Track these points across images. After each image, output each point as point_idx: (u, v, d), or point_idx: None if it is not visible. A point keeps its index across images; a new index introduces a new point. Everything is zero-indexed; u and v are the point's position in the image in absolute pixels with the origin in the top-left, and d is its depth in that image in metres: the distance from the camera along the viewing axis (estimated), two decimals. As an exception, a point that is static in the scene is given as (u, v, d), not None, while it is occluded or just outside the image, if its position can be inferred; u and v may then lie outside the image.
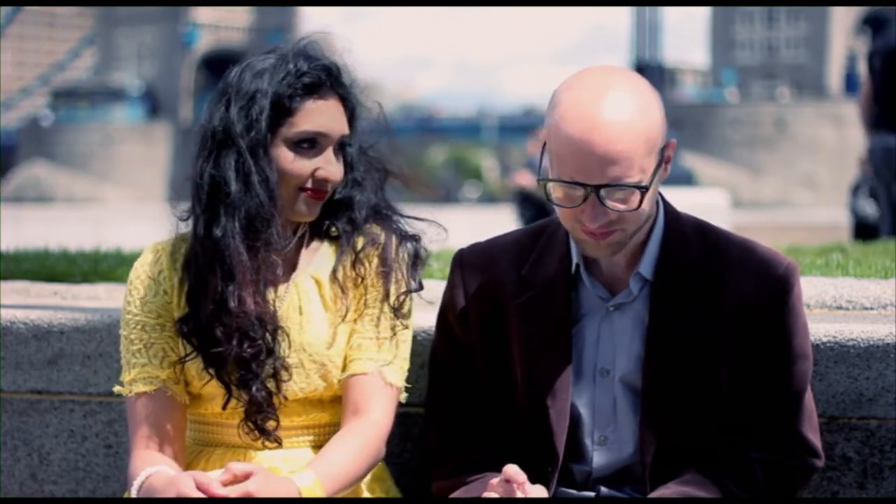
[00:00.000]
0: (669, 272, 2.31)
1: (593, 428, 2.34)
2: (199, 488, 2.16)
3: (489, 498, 2.21)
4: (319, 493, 2.25)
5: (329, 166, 2.39)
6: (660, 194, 2.35)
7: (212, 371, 2.38)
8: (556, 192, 2.20)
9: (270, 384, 2.38)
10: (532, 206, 13.26)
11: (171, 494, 2.19)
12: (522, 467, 2.33)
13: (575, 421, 2.33)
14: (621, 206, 2.18)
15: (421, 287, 2.48)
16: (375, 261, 2.45)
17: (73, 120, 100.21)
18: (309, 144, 2.38)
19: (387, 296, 2.44)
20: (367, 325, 2.44)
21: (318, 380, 2.42)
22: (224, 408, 2.40)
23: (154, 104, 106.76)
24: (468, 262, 2.44)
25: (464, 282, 2.43)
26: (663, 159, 2.23)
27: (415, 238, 2.49)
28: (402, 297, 2.45)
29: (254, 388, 2.36)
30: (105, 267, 3.85)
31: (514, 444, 2.36)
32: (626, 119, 2.16)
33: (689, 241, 2.33)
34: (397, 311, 2.44)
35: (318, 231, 2.49)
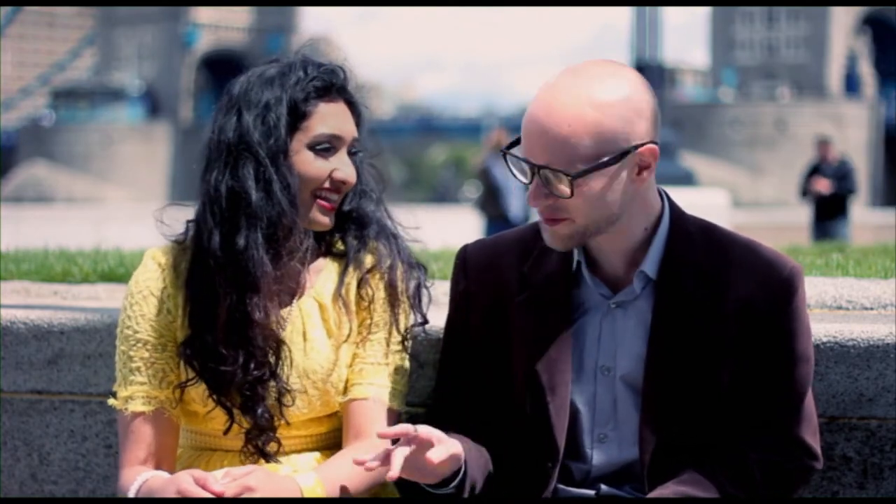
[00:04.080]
0: (673, 271, 2.31)
1: (593, 425, 2.34)
2: (198, 484, 2.15)
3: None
4: (320, 494, 2.25)
5: (346, 167, 2.38)
6: (666, 194, 2.36)
7: (215, 396, 2.36)
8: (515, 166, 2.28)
9: (274, 408, 2.37)
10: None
11: (171, 493, 2.18)
12: (523, 464, 2.33)
13: (575, 418, 2.34)
14: (559, 192, 2.21)
15: (426, 321, 2.48)
16: (381, 286, 2.44)
17: (73, 120, 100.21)
18: (325, 147, 2.37)
19: (391, 322, 2.43)
20: (369, 350, 2.43)
21: (319, 405, 2.42)
22: (226, 433, 2.39)
23: (154, 104, 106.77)
24: (472, 259, 2.45)
25: (467, 278, 2.43)
26: (632, 161, 2.22)
27: (421, 268, 2.49)
28: (409, 331, 2.45)
29: (259, 412, 2.35)
30: (105, 267, 3.84)
31: (514, 442, 2.36)
32: (574, 106, 2.19)
33: (693, 240, 2.33)
34: (403, 342, 2.45)
35: (320, 249, 2.47)
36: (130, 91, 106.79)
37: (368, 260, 2.44)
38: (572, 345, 2.33)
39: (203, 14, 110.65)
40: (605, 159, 2.20)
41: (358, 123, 2.43)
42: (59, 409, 3.04)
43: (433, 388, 2.52)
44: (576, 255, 2.34)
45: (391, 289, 2.43)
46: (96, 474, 3.03)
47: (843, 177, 15.41)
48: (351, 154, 2.41)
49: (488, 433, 2.40)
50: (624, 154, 2.20)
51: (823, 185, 15.25)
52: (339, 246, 2.47)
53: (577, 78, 2.22)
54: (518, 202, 13.17)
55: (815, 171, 15.76)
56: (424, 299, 2.48)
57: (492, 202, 13.56)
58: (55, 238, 5.75)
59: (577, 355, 2.33)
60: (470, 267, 2.44)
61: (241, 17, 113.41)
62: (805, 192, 15.79)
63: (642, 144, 2.21)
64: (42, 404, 3.05)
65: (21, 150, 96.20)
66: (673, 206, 2.36)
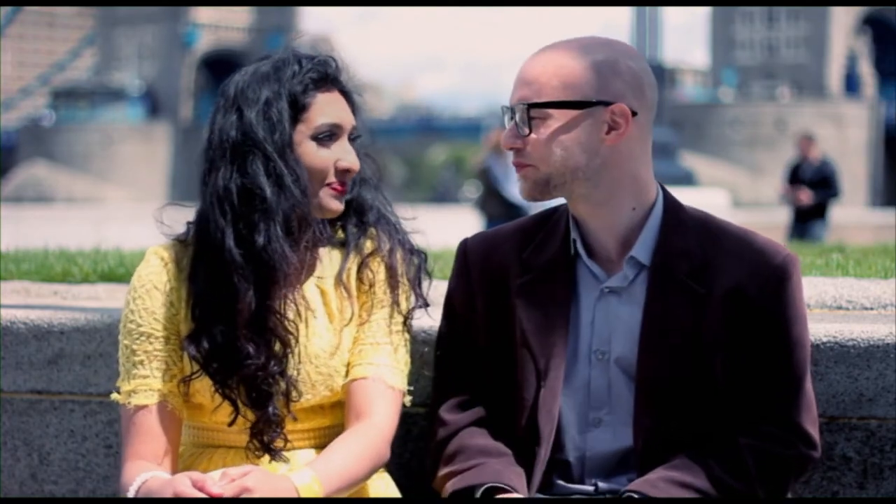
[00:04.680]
0: (666, 258, 2.32)
1: (588, 409, 2.35)
2: (195, 487, 2.16)
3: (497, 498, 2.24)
4: (317, 491, 2.24)
5: (349, 156, 2.40)
6: (661, 185, 2.37)
7: (220, 390, 2.35)
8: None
9: (281, 402, 2.37)
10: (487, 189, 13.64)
11: (168, 495, 2.19)
12: (516, 448, 2.35)
13: (570, 402, 2.34)
14: (522, 129, 2.30)
15: (427, 304, 2.49)
16: (381, 269, 2.45)
17: (73, 120, 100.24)
18: (326, 137, 2.39)
19: (391, 304, 2.45)
20: (369, 331, 2.44)
21: (324, 391, 2.42)
22: (230, 425, 2.39)
23: (154, 104, 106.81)
24: (473, 249, 2.47)
25: (468, 267, 2.45)
26: (600, 116, 2.27)
27: (420, 253, 2.50)
28: (410, 313, 2.46)
29: (269, 409, 2.35)
30: (105, 267, 3.85)
31: (511, 427, 2.37)
32: (552, 55, 2.32)
33: (687, 228, 2.35)
34: (405, 322, 2.46)
35: (321, 237, 2.48)
36: (130, 91, 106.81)
37: (368, 245, 2.47)
38: (569, 328, 2.34)
39: (203, 14, 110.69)
40: (566, 100, 2.27)
41: (353, 112, 2.45)
42: (59, 409, 3.04)
43: (433, 383, 2.52)
44: (573, 234, 2.36)
45: (391, 271, 2.45)
46: (96, 474, 3.03)
47: (823, 179, 14.69)
48: (351, 141, 2.43)
49: (490, 421, 2.41)
50: (588, 104, 2.27)
51: (805, 196, 14.50)
52: (340, 234, 2.49)
53: (571, 40, 2.35)
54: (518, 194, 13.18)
55: (795, 170, 14.98)
56: (425, 283, 2.50)
57: (491, 202, 13.58)
58: (55, 238, 5.75)
59: (573, 339, 2.35)
60: (471, 257, 2.46)
61: (241, 17, 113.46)
62: (785, 195, 15.03)
63: (612, 103, 2.27)
64: (42, 404, 3.05)
65: (21, 150, 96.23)
66: (668, 195, 2.38)
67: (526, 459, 2.34)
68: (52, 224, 19.11)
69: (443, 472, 2.38)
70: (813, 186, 14.58)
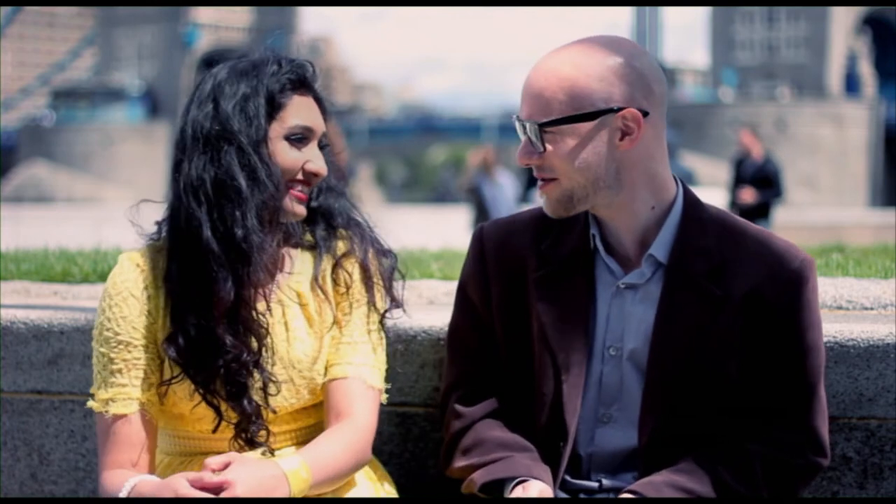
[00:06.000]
0: (684, 256, 2.32)
1: (598, 405, 2.34)
2: (194, 486, 2.15)
3: (506, 498, 2.24)
4: (305, 478, 2.24)
5: (318, 160, 2.42)
6: (682, 182, 2.37)
7: (201, 391, 2.36)
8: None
9: (259, 397, 2.37)
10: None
11: (167, 496, 2.18)
12: (535, 443, 2.34)
13: (582, 397, 2.34)
14: (536, 146, 2.28)
15: (400, 304, 2.50)
16: (356, 269, 2.46)
17: (73, 120, 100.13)
18: (298, 139, 2.40)
19: (367, 303, 2.45)
20: (346, 330, 2.44)
21: (307, 394, 2.43)
22: (214, 431, 2.39)
23: (154, 104, 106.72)
24: (489, 237, 2.46)
25: (484, 255, 2.44)
26: (613, 124, 2.26)
27: (391, 254, 2.51)
28: (387, 312, 2.47)
29: (244, 401, 2.35)
30: (105, 267, 3.84)
31: (529, 420, 2.37)
32: (555, 65, 2.28)
33: (706, 227, 2.34)
34: (381, 321, 2.46)
35: (291, 241, 2.48)
36: (130, 91, 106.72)
37: (340, 246, 2.48)
38: (585, 323, 2.33)
39: (203, 14, 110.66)
40: (575, 114, 2.24)
41: (325, 120, 2.46)
42: (59, 409, 3.04)
43: (445, 372, 2.51)
44: (592, 228, 2.35)
45: (365, 271, 2.46)
46: (96, 474, 3.02)
47: (765, 178, 14.11)
48: (320, 148, 2.44)
49: (503, 415, 2.40)
50: (598, 114, 2.24)
51: (748, 196, 13.93)
52: (309, 238, 2.50)
53: (573, 44, 2.31)
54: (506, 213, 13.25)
55: (737, 167, 14.38)
56: (398, 283, 2.51)
57: (485, 219, 13.70)
58: (55, 238, 5.75)
59: (589, 334, 2.34)
60: (486, 244, 2.45)
61: (241, 17, 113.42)
62: (733, 203, 14.10)
63: (622, 108, 2.24)
64: (42, 404, 3.05)
65: (21, 150, 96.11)
66: (688, 192, 2.37)
67: (546, 454, 2.34)
68: (52, 224, 19.08)
69: (462, 463, 2.38)
70: (754, 186, 14.04)
